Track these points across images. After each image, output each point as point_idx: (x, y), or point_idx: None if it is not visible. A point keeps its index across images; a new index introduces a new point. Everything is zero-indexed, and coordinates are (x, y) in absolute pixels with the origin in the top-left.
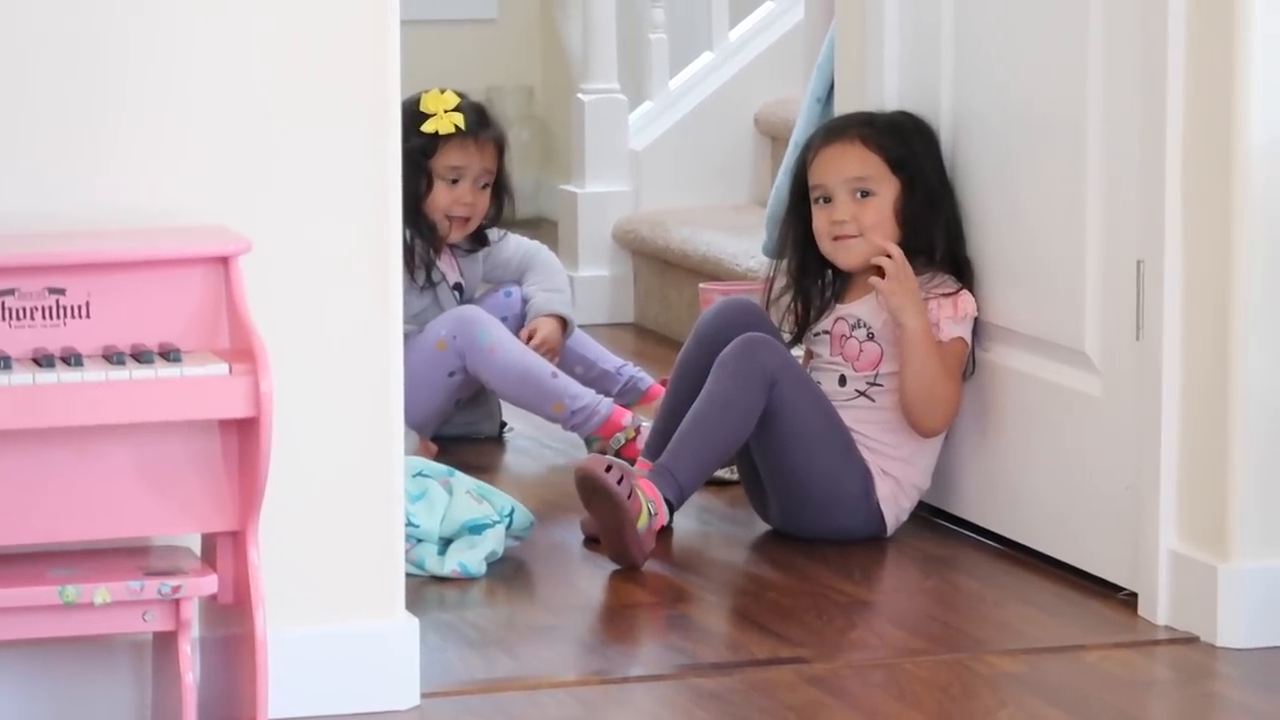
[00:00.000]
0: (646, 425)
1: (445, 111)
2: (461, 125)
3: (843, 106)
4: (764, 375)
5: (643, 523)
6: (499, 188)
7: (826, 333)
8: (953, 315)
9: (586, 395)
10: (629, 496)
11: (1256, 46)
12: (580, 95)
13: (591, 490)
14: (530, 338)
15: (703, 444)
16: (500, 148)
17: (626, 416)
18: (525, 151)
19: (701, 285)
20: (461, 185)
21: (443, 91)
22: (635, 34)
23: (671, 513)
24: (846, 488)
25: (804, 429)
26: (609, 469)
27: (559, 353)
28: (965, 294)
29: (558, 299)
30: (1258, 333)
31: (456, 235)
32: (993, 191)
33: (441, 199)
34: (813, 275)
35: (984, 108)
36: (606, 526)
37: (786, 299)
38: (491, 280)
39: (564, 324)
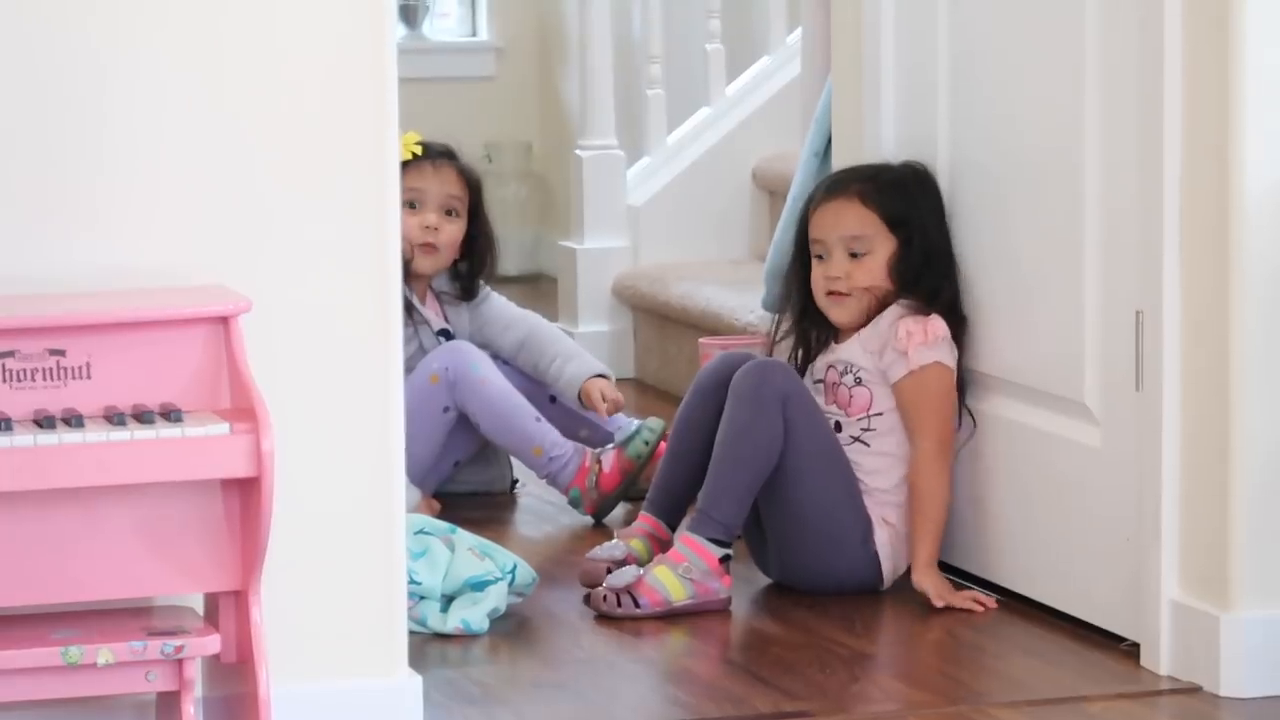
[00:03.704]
0: (608, 456)
1: (405, 145)
2: (419, 153)
3: (840, 160)
4: (777, 395)
5: (682, 597)
6: (478, 232)
7: (820, 381)
8: (923, 340)
9: (566, 445)
10: (637, 604)
11: (1252, 96)
12: (578, 151)
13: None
14: (593, 405)
15: (734, 475)
16: (466, 179)
17: (588, 457)
18: (524, 207)
19: (701, 340)
20: (424, 211)
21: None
22: (633, 90)
23: (725, 547)
24: (846, 531)
25: (807, 459)
26: (605, 599)
27: (621, 400)
28: (935, 317)
29: (585, 362)
30: (1257, 382)
31: (426, 266)
32: (991, 242)
33: (404, 225)
34: (813, 320)
35: (981, 159)
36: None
37: (788, 343)
38: (483, 338)
39: (605, 378)
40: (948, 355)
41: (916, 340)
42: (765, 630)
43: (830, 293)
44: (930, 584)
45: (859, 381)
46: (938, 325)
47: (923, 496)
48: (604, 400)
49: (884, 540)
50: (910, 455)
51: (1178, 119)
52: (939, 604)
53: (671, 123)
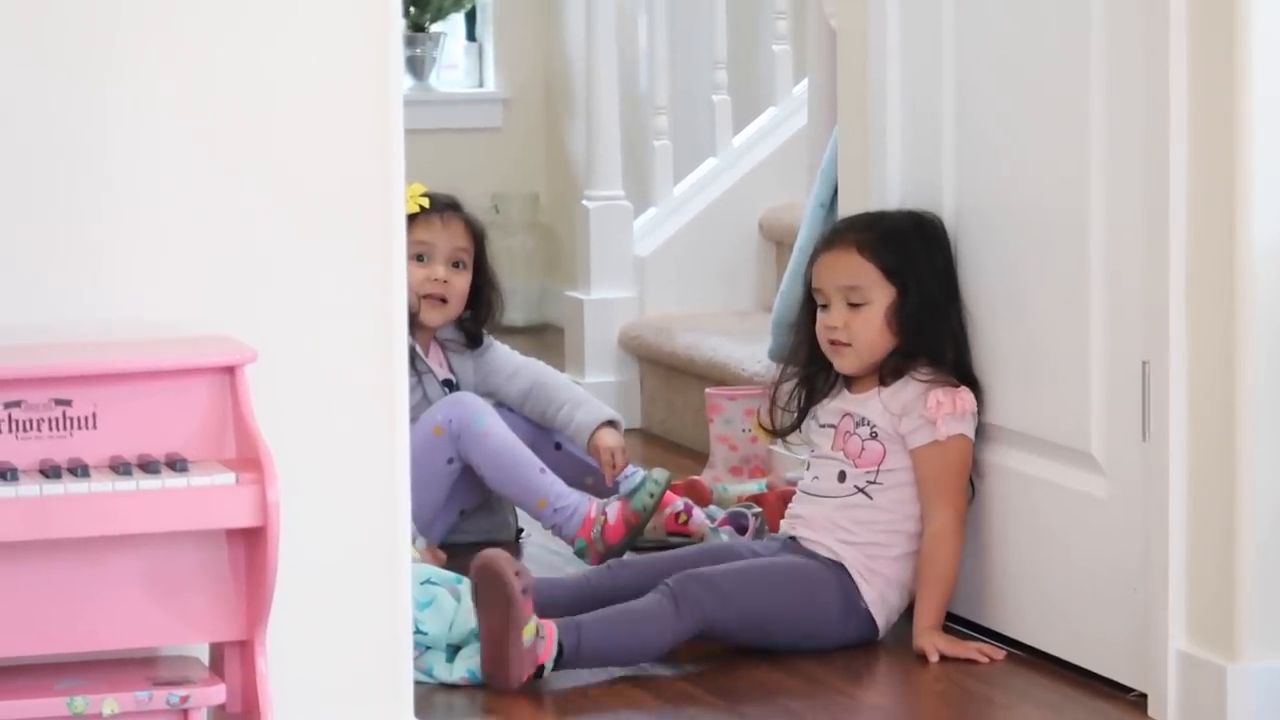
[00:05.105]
0: (613, 507)
1: (412, 197)
2: (427, 205)
3: (846, 210)
4: (700, 617)
5: (529, 634)
6: (484, 282)
7: (832, 426)
8: (951, 411)
9: (571, 495)
10: (525, 599)
11: (1259, 146)
12: (585, 202)
13: (489, 584)
14: (604, 457)
15: (619, 633)
16: (472, 230)
17: (594, 507)
18: (530, 258)
19: (708, 390)
20: (432, 264)
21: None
22: (639, 141)
23: (559, 658)
24: (823, 609)
25: (756, 610)
26: (516, 571)
27: (628, 455)
28: (965, 390)
29: (594, 408)
30: (1264, 432)
31: (434, 318)
32: (996, 293)
33: (412, 277)
34: (821, 366)
35: (987, 209)
36: (492, 628)
37: (790, 385)
38: (487, 387)
39: (615, 424)
40: (971, 428)
41: (945, 410)
42: (770, 680)
43: (832, 342)
44: (929, 643)
45: (874, 436)
46: (967, 399)
47: (936, 567)
48: (613, 462)
49: (875, 596)
50: (925, 525)
51: (1183, 169)
52: (933, 658)
53: (678, 173)
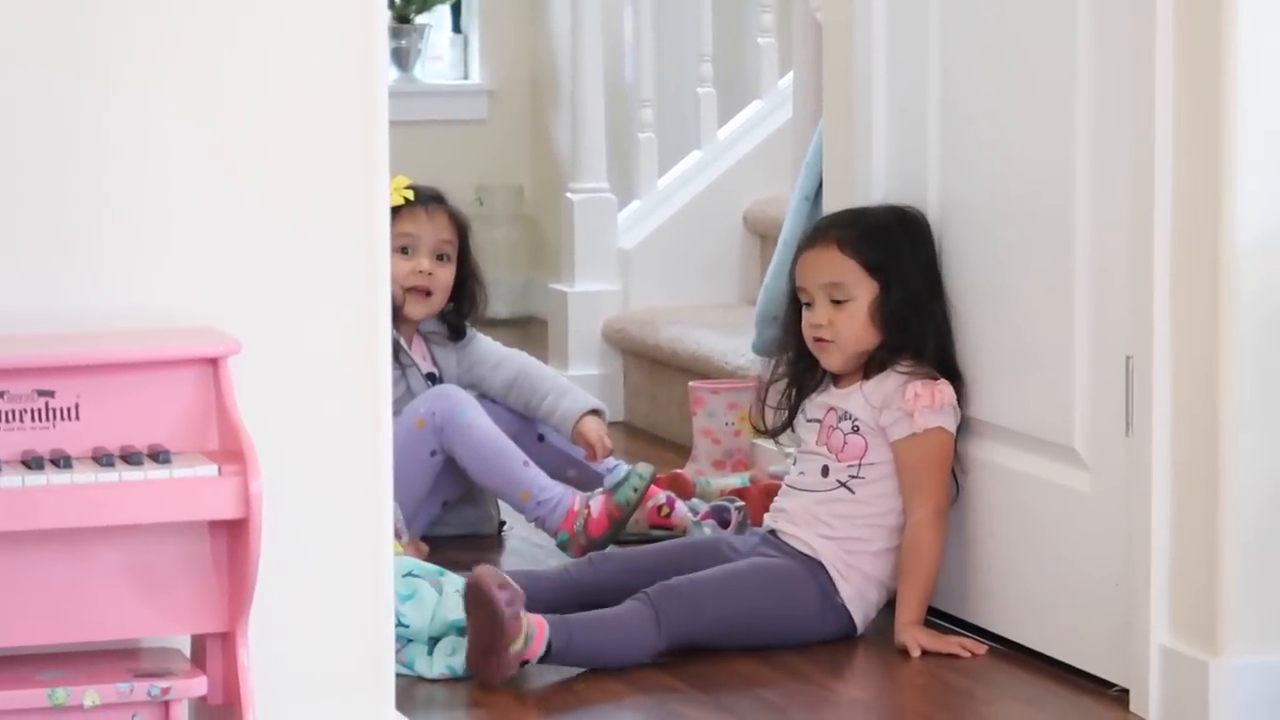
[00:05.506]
0: (596, 501)
1: (396, 189)
2: (411, 198)
3: (831, 204)
4: (679, 629)
5: (517, 647)
6: (468, 275)
7: (817, 421)
8: (929, 404)
9: (554, 489)
10: (514, 619)
11: (1244, 141)
12: (569, 194)
13: (478, 602)
14: (587, 444)
15: (608, 636)
16: (456, 223)
17: (577, 500)
18: (515, 250)
19: (691, 384)
20: (416, 256)
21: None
22: (624, 133)
23: (546, 655)
24: (799, 606)
25: (732, 616)
26: (502, 586)
27: (612, 443)
28: (944, 383)
29: (579, 397)
30: (1248, 428)
31: (418, 310)
32: (981, 286)
33: (397, 270)
34: (808, 363)
35: (972, 203)
36: (480, 641)
37: (781, 385)
38: (471, 379)
39: (599, 413)
40: (950, 421)
41: (923, 403)
42: (752, 673)
43: (816, 340)
44: (911, 638)
45: (855, 430)
46: (945, 391)
47: (918, 560)
48: (599, 446)
49: (851, 594)
50: (907, 518)
51: (1169, 165)
52: (915, 653)
53: (663, 166)
